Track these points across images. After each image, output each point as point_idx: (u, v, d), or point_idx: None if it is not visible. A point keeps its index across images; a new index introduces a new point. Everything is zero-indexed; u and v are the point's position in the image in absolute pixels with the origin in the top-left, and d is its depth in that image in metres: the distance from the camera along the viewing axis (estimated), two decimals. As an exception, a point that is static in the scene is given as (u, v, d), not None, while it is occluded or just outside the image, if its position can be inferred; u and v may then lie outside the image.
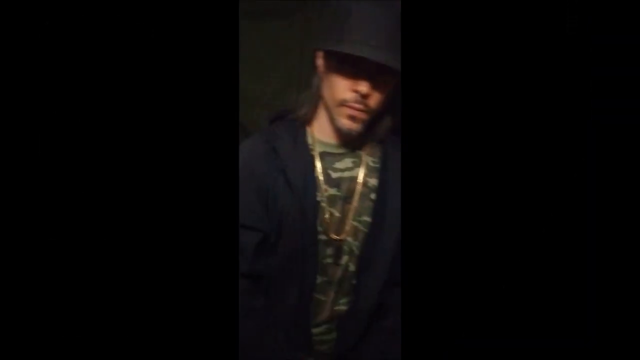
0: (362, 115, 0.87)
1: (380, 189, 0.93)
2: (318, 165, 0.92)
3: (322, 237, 0.91)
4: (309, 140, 0.95)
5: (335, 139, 0.94)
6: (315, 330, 0.94)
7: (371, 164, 0.95)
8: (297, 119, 0.95)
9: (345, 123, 0.88)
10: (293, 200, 0.89)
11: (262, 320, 0.93)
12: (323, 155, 0.94)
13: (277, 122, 0.97)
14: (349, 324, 0.94)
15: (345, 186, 0.93)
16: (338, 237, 0.91)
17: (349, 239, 0.92)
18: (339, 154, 0.94)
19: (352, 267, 0.93)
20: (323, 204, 0.91)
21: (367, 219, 0.93)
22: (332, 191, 0.92)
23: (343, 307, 0.94)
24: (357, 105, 0.86)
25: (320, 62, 0.90)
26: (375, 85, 0.86)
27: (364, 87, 0.84)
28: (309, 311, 0.93)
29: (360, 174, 0.93)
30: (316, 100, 0.93)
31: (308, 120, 0.95)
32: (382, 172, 0.94)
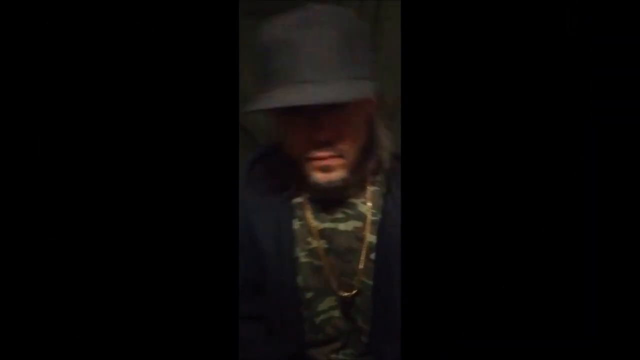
0: (337, 162, 0.71)
1: (380, 247, 0.77)
2: (299, 213, 0.79)
3: (310, 294, 0.79)
4: (293, 185, 0.80)
5: (319, 193, 0.78)
6: None
7: (370, 215, 0.78)
8: (284, 162, 0.79)
9: (320, 177, 0.71)
10: (264, 255, 0.78)
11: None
12: (306, 203, 0.79)
13: (261, 161, 0.83)
14: None
15: (337, 239, 0.79)
16: (345, 293, 0.78)
17: (357, 299, 0.80)
18: (329, 201, 0.79)
19: (360, 323, 0.81)
20: (304, 260, 0.78)
21: (367, 281, 0.79)
22: (320, 244, 0.78)
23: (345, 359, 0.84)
24: (325, 154, 0.70)
25: (273, 120, 0.76)
26: (336, 124, 0.69)
27: (321, 135, 0.68)
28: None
29: (353, 227, 0.78)
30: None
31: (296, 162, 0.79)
32: (381, 226, 0.77)
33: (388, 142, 0.77)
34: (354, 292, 0.78)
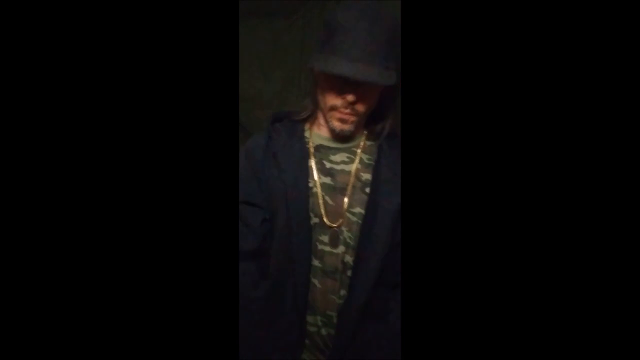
0: (352, 118, 0.97)
1: (374, 184, 1.00)
2: (312, 155, 1.01)
3: (316, 220, 0.98)
4: (307, 135, 1.04)
5: (331, 136, 1.03)
6: (309, 319, 0.97)
7: (366, 160, 1.02)
8: (298, 120, 1.04)
9: (337, 125, 0.98)
10: (284, 185, 0.98)
11: (262, 312, 0.97)
12: (319, 148, 1.02)
13: (277, 123, 1.06)
14: (343, 320, 0.96)
15: (339, 177, 1.00)
16: (333, 225, 0.97)
17: (344, 228, 0.98)
18: (335, 148, 1.03)
19: (347, 259, 0.97)
20: (315, 190, 0.98)
21: (360, 210, 0.98)
22: (326, 180, 1.00)
23: (338, 300, 0.97)
24: (345, 111, 0.96)
25: (314, 70, 0.98)
26: (362, 93, 0.94)
27: (350, 97, 0.93)
28: (306, 296, 0.97)
29: (354, 168, 1.01)
30: (315, 103, 1.03)
31: (308, 120, 1.05)
32: (376, 168, 1.01)
33: (394, 119, 1.04)
34: (340, 222, 0.99)
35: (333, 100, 0.95)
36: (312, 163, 1.01)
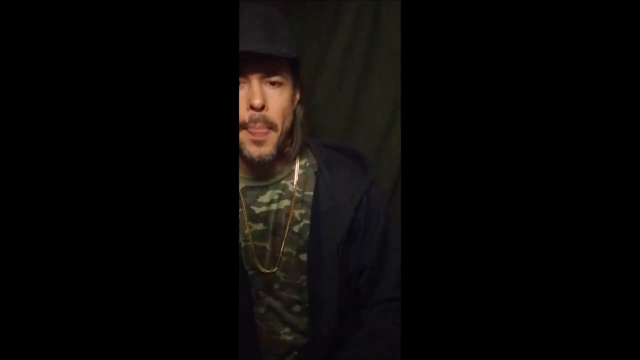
0: (267, 135, 0.84)
1: (313, 220, 0.90)
2: (240, 202, 0.90)
3: (251, 272, 0.91)
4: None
5: (252, 173, 0.91)
6: None
7: (297, 194, 0.92)
8: None
9: (252, 151, 0.84)
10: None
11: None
12: (245, 191, 0.91)
13: None
14: (308, 357, 0.94)
15: (272, 219, 0.92)
16: (267, 271, 0.91)
17: (280, 273, 0.92)
18: (261, 187, 0.92)
19: (295, 296, 0.93)
20: (247, 242, 0.90)
21: (297, 253, 0.92)
22: (259, 227, 0.91)
23: (299, 340, 0.95)
24: (256, 126, 0.83)
25: None
26: (269, 95, 0.83)
27: (256, 99, 0.81)
28: (256, 341, 0.92)
29: (286, 206, 0.92)
30: None
31: None
32: (314, 201, 0.91)
33: (305, 121, 0.92)
34: (275, 269, 0.91)
35: (241, 115, 0.82)
36: (242, 211, 0.90)
